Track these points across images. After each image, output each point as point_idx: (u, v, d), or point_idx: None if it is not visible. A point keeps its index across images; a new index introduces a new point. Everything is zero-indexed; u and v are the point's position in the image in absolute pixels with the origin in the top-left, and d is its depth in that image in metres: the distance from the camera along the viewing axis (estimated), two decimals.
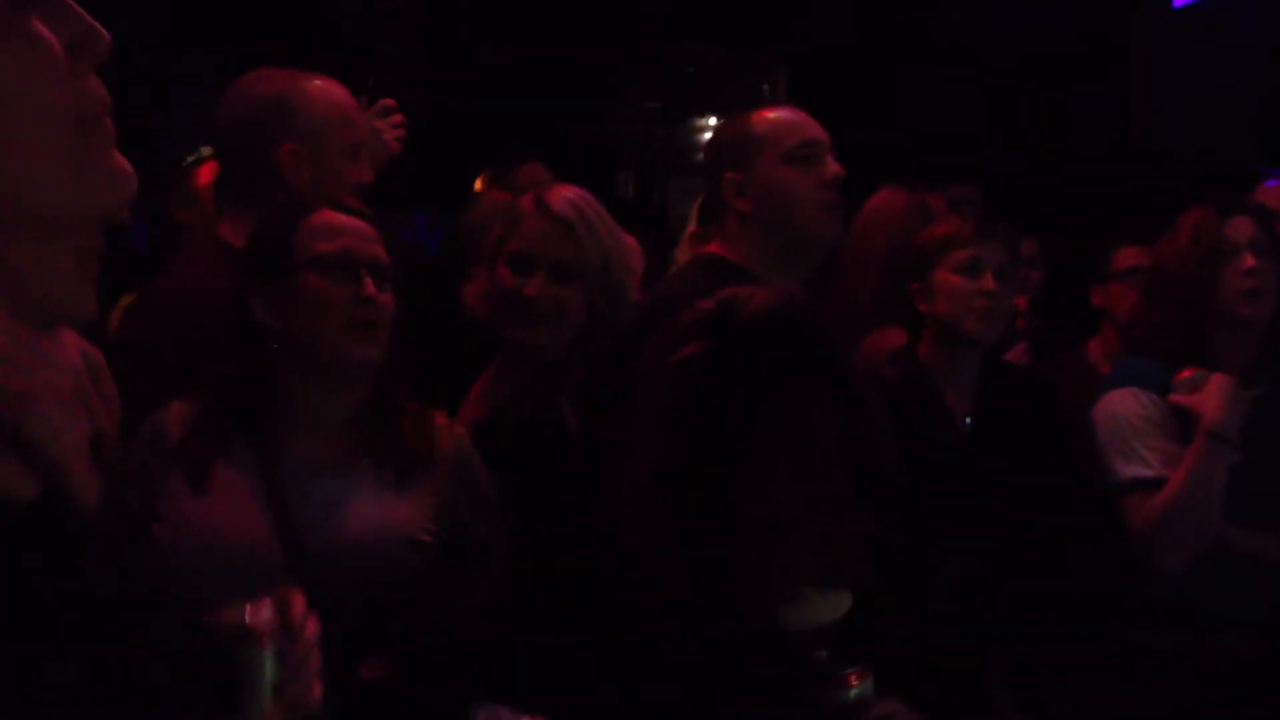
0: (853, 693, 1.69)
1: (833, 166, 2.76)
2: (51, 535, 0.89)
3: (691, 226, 3.71)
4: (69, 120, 0.90)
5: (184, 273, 2.61)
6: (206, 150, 3.85)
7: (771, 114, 2.85)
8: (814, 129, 2.81)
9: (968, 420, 2.84)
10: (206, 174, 3.69)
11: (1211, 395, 2.81)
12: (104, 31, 0.92)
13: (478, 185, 4.42)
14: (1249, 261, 2.91)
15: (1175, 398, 2.87)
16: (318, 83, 2.70)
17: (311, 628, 1.31)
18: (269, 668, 1.26)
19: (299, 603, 1.31)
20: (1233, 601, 2.84)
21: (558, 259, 2.52)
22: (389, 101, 3.12)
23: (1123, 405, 2.96)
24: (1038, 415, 2.94)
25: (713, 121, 8.40)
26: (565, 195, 2.57)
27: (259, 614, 1.28)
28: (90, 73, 0.93)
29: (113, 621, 0.94)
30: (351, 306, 2.08)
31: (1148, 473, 2.85)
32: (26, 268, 0.89)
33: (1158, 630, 2.89)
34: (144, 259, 4.33)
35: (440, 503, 2.15)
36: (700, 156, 8.61)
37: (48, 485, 0.86)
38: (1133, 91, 6.35)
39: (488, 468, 2.25)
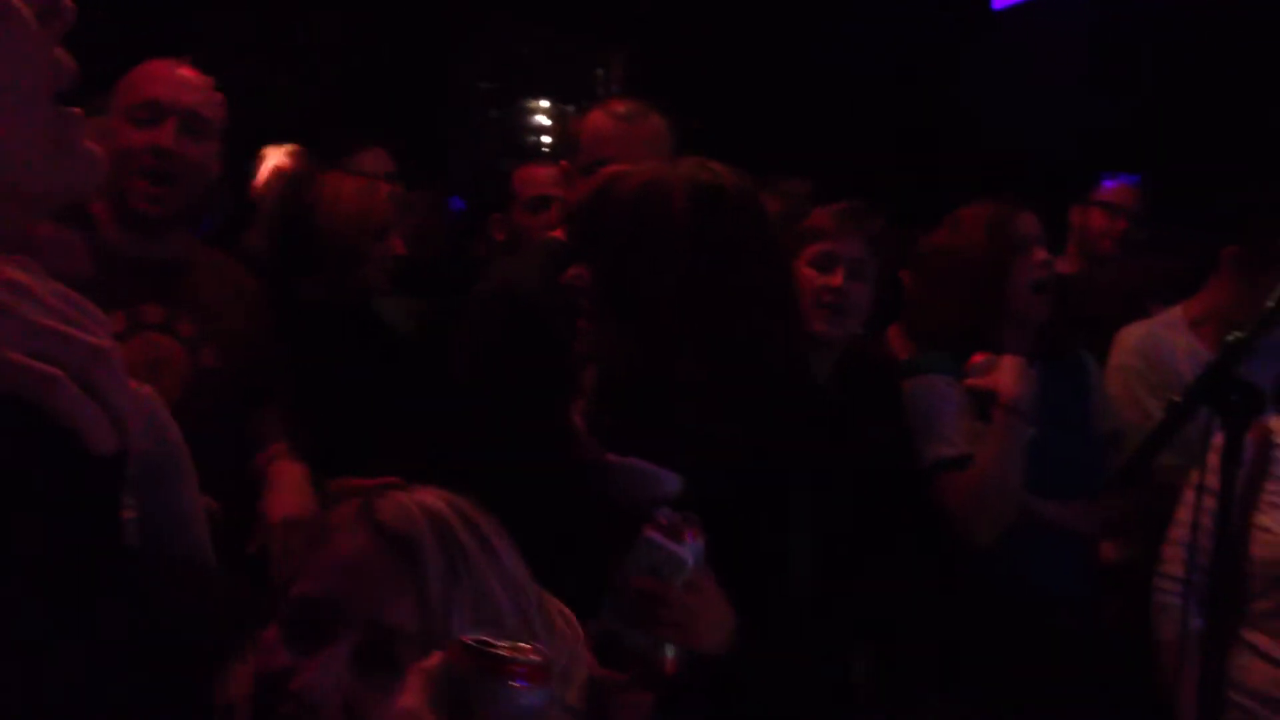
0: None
1: None
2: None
3: None
4: (48, 95, 0.91)
5: None
6: None
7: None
8: None
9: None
10: None
11: (1005, 374, 2.93)
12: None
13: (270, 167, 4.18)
14: (1040, 255, 3.05)
15: (971, 381, 2.99)
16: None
17: None
18: None
19: None
20: (1048, 574, 2.99)
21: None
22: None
23: (924, 390, 3.07)
24: (881, 398, 3.02)
25: (545, 104, 8.37)
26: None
27: None
28: (57, 43, 0.92)
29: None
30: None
31: (954, 451, 2.97)
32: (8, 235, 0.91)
33: (978, 603, 3.01)
34: None
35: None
36: (533, 139, 8.60)
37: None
38: (961, 93, 6.53)
39: None
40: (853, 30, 6.40)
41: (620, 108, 2.83)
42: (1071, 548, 3.07)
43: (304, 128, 4.55)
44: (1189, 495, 2.58)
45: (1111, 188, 4.89)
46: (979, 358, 3.00)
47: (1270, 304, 2.01)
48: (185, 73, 2.75)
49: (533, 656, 1.02)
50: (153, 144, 2.64)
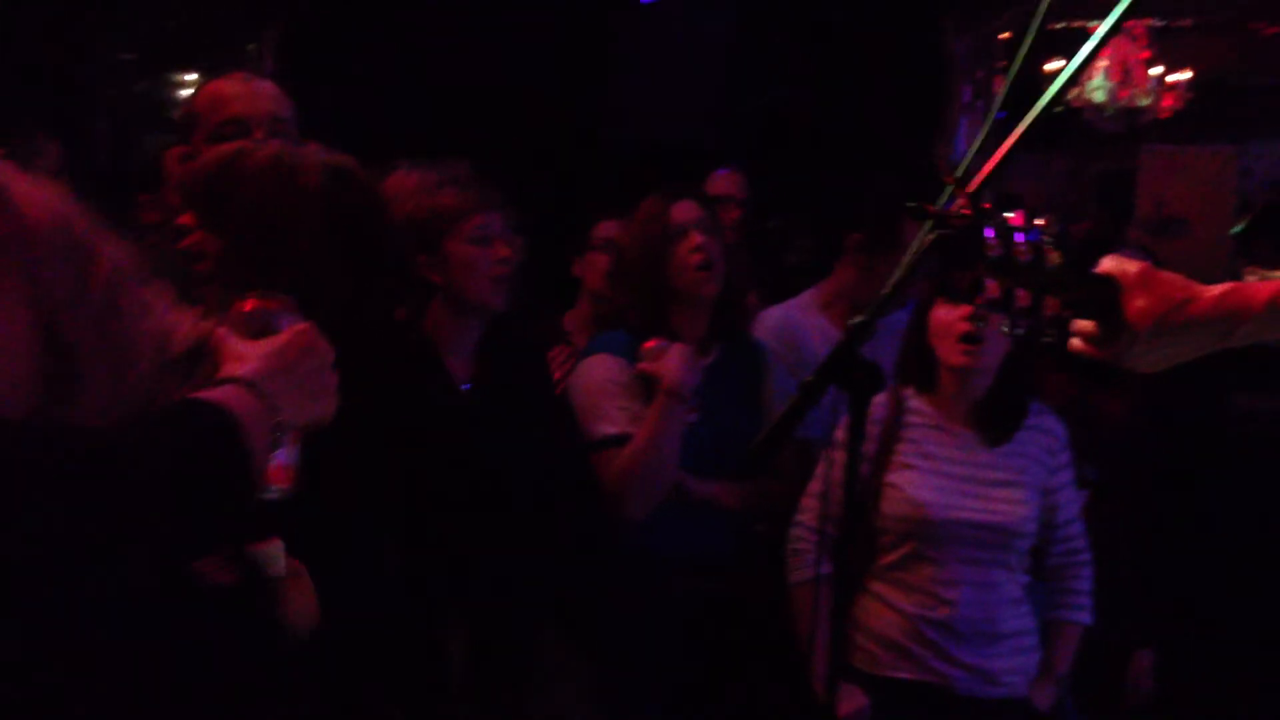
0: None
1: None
2: None
3: None
4: None
5: None
6: None
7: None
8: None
9: (466, 386, 2.94)
10: None
11: (670, 360, 3.10)
12: None
13: None
14: (696, 239, 3.21)
15: (641, 366, 3.15)
16: None
17: None
18: None
19: None
20: (689, 545, 3.16)
21: None
22: None
23: (594, 369, 3.21)
24: (531, 378, 3.11)
25: (193, 77, 8.07)
26: None
27: None
28: None
29: None
30: None
31: (615, 430, 3.12)
32: None
33: (624, 576, 3.16)
34: None
35: None
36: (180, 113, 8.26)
37: None
38: (610, 80, 6.72)
39: None
40: (503, 18, 6.49)
41: (236, 74, 2.87)
42: (716, 520, 3.22)
43: None
44: (828, 454, 2.81)
45: (717, 180, 5.08)
46: (651, 343, 3.15)
47: (886, 290, 2.22)
48: None
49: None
50: None
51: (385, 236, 2.14)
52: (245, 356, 1.49)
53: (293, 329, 1.57)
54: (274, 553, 1.78)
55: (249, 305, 1.61)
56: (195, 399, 1.37)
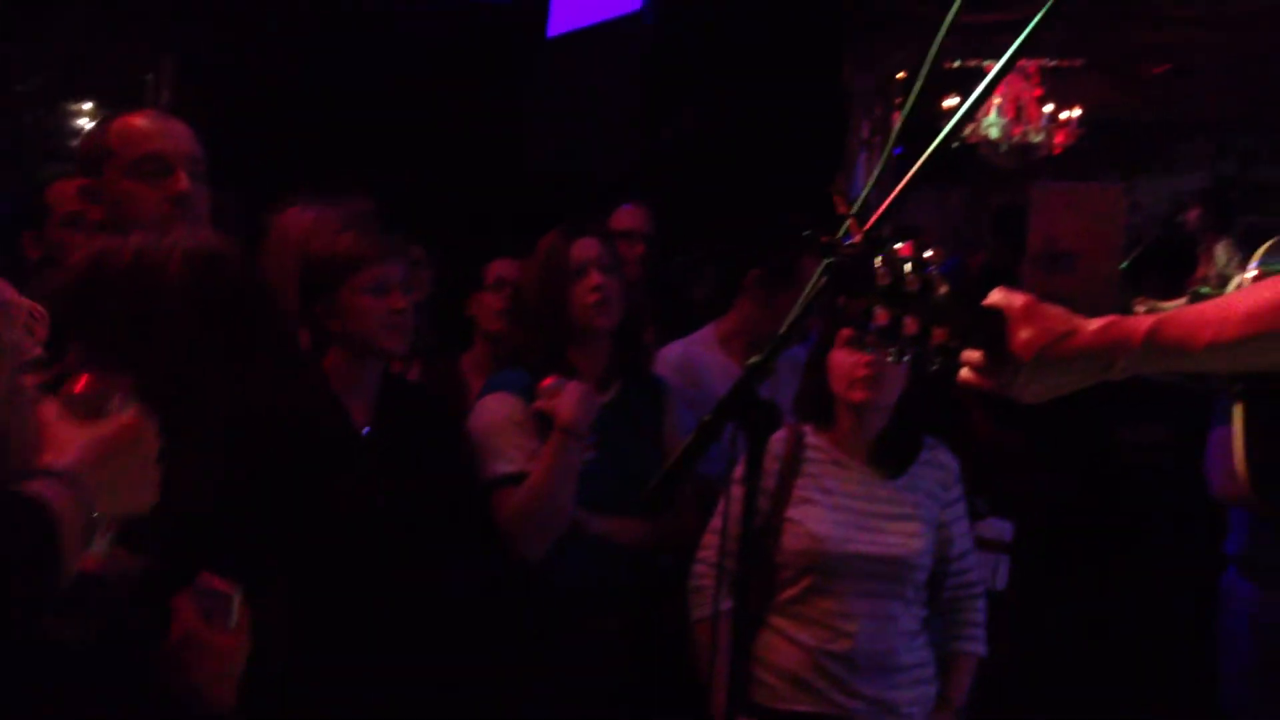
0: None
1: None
2: None
3: None
4: None
5: None
6: None
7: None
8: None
9: (366, 430, 2.92)
10: None
11: (566, 398, 3.10)
12: None
13: None
14: (595, 279, 3.23)
15: (538, 404, 3.15)
16: None
17: None
18: None
19: None
20: (588, 579, 3.16)
21: None
22: None
23: (491, 408, 3.20)
24: (431, 423, 3.10)
25: (88, 107, 7.95)
26: None
27: None
28: None
29: None
30: None
31: (511, 468, 3.12)
32: None
33: (527, 609, 3.16)
34: None
35: None
36: (76, 144, 8.11)
37: None
38: (514, 113, 6.73)
39: None
40: (408, 51, 6.48)
41: (149, 110, 2.87)
42: (617, 556, 3.22)
43: None
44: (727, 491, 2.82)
45: (622, 215, 5.10)
46: (548, 381, 3.15)
47: (783, 329, 2.24)
48: None
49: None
50: None
51: (262, 319, 2.09)
52: (67, 445, 1.48)
53: (119, 418, 1.55)
54: (236, 602, 1.75)
55: (79, 386, 1.58)
56: (14, 493, 1.37)
